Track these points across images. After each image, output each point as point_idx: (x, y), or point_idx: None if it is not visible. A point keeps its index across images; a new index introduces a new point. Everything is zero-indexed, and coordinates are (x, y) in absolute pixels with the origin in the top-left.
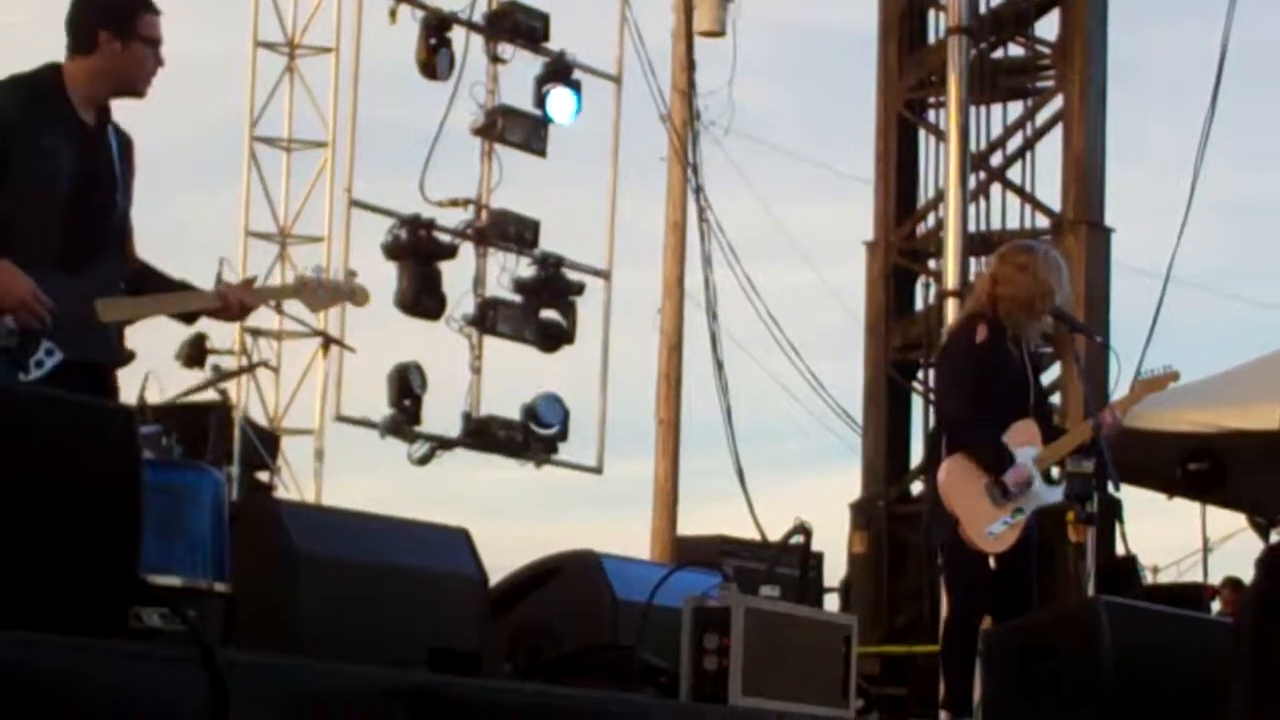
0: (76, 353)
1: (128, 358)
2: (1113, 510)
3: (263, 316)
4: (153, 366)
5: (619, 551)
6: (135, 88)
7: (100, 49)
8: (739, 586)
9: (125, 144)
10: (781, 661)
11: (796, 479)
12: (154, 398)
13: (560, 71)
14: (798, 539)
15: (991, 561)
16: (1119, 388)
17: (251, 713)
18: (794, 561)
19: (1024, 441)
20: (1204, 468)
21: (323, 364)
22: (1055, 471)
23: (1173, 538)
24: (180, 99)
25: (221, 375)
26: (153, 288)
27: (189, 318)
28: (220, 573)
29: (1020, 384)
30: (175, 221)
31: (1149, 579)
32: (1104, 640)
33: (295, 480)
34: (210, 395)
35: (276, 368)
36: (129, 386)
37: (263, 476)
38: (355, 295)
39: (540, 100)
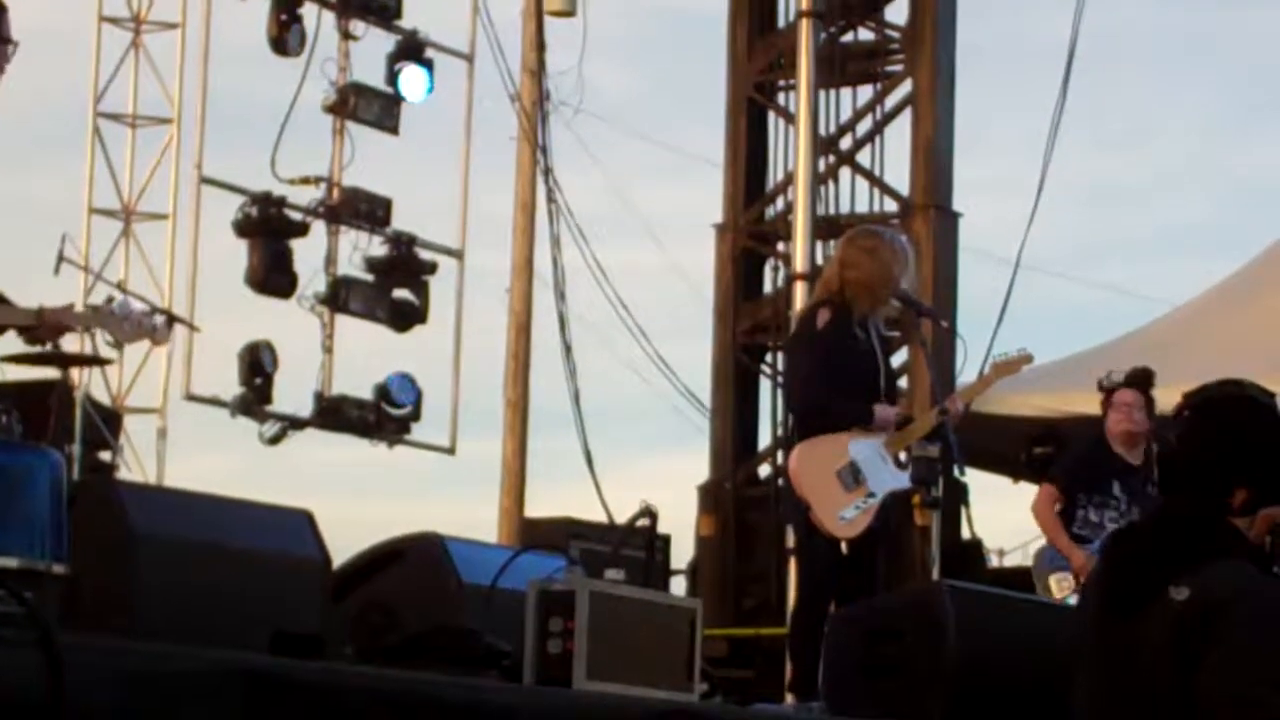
0: None
1: None
2: (958, 494)
3: (102, 295)
4: None
5: (470, 533)
6: None
7: None
8: (585, 569)
9: None
10: (626, 645)
11: (645, 461)
12: None
13: (412, 49)
14: (644, 522)
15: (843, 546)
16: (965, 372)
17: (89, 695)
18: (640, 544)
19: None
20: (1049, 452)
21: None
22: (902, 455)
23: (1018, 522)
24: (22, 74)
25: (62, 358)
26: None
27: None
28: (58, 554)
29: (871, 368)
30: (18, 197)
31: (994, 562)
32: (948, 623)
33: (139, 460)
34: (51, 373)
35: (120, 345)
36: None
37: (105, 456)
38: (156, 335)
39: (392, 78)
